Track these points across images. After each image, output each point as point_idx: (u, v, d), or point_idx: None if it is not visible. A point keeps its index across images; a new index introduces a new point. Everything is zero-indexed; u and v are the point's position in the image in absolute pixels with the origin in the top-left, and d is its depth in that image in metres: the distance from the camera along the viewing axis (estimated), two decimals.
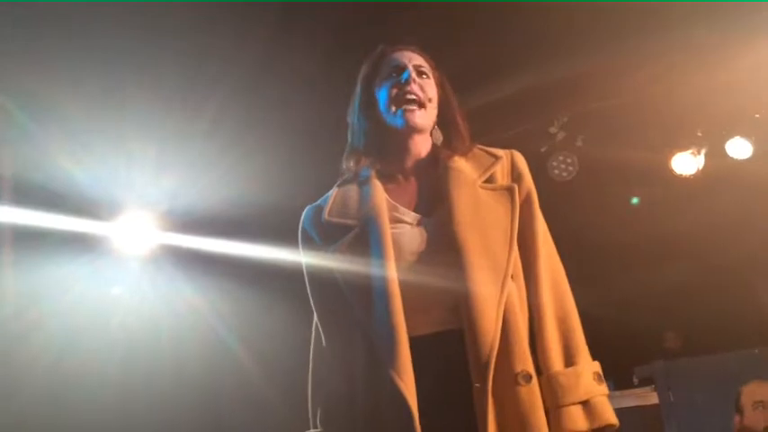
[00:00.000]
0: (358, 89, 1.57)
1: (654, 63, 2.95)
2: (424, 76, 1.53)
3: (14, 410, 3.38)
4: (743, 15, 2.55)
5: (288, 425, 2.01)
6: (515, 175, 1.49)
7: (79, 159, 3.24)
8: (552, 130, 3.16)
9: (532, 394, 1.27)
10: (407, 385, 1.26)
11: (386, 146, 1.53)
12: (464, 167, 1.48)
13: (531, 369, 1.29)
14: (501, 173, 1.49)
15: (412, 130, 1.49)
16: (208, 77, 2.81)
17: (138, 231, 3.90)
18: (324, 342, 1.46)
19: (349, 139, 1.59)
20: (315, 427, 1.43)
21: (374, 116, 1.52)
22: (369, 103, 1.53)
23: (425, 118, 1.50)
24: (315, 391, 1.45)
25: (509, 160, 1.51)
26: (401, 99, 1.48)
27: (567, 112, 3.16)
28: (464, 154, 1.51)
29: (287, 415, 2.83)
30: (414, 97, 1.48)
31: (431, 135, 1.55)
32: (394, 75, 1.51)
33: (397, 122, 1.48)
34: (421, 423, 1.23)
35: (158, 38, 2.56)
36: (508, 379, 1.28)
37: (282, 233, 1.97)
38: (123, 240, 3.91)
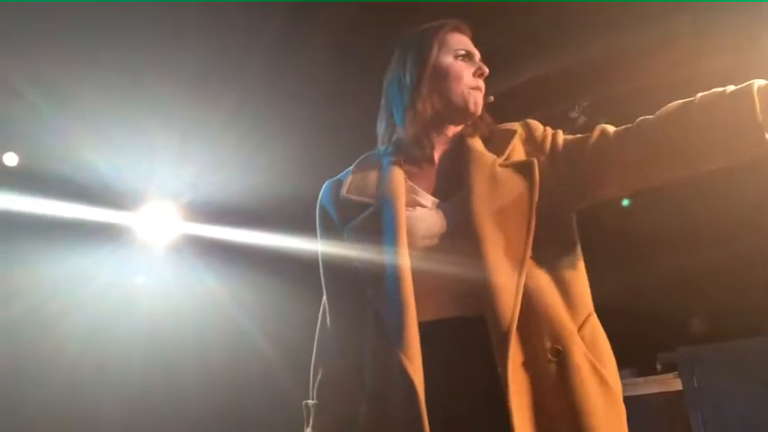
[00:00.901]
0: (417, 57, 1.52)
1: (676, 46, 2.91)
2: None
3: (40, 399, 3.43)
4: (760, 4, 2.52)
5: None
6: (536, 145, 1.47)
7: (102, 150, 3.27)
8: (573, 114, 3.15)
9: (567, 368, 1.25)
10: (415, 368, 1.26)
11: (431, 119, 1.51)
12: (484, 149, 1.47)
13: (567, 343, 1.27)
14: (521, 146, 1.48)
15: (472, 115, 1.50)
16: (227, 67, 2.82)
17: (161, 221, 3.94)
18: (329, 322, 1.47)
19: (390, 106, 1.56)
20: (312, 398, 1.45)
21: (438, 87, 1.50)
22: (433, 73, 1.51)
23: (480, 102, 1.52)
24: (316, 366, 1.47)
25: (526, 130, 1.50)
26: (476, 84, 1.50)
27: (588, 96, 3.14)
28: (485, 135, 1.51)
29: None
30: (479, 84, 1.51)
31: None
32: (463, 55, 1.51)
33: (471, 107, 1.49)
34: (432, 407, 1.23)
35: (177, 28, 2.57)
36: (537, 357, 1.26)
37: (302, 222, 1.98)
38: (146, 230, 3.95)
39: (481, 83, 1.51)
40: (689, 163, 1.33)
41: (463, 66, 1.50)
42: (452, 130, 1.53)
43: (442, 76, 1.50)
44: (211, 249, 4.04)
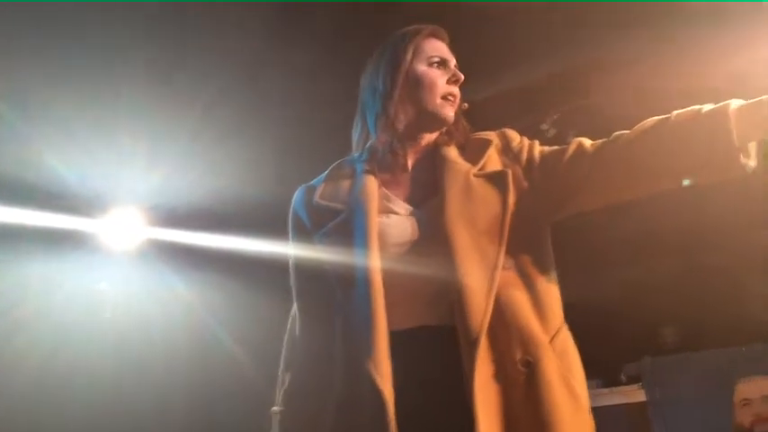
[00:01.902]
0: (391, 63, 1.52)
1: (644, 61, 2.96)
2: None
3: (3, 408, 3.35)
4: (734, 16, 2.57)
5: None
6: (512, 155, 1.47)
7: (65, 156, 3.21)
8: (544, 126, 3.18)
9: (537, 379, 1.24)
10: (384, 378, 1.24)
11: (404, 127, 1.51)
12: (459, 158, 1.47)
13: (538, 354, 1.26)
14: (496, 156, 1.47)
15: (445, 122, 1.50)
16: (197, 71, 2.79)
17: (127, 227, 3.88)
18: (298, 329, 1.45)
19: (365, 112, 1.56)
20: (278, 406, 1.43)
21: (411, 95, 1.50)
22: (406, 80, 1.50)
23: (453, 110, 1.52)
24: (283, 373, 1.45)
25: (502, 140, 1.50)
26: (450, 91, 1.49)
27: (558, 108, 3.18)
28: (461, 143, 1.51)
29: None
30: (454, 92, 1.50)
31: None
32: (438, 62, 1.50)
33: (446, 118, 1.49)
34: (403, 417, 1.22)
35: (148, 30, 2.53)
36: (507, 368, 1.25)
37: (272, 226, 1.96)
38: (111, 236, 3.89)
39: (455, 90, 1.50)
40: (663, 181, 1.35)
41: (437, 73, 1.50)
42: (426, 137, 1.53)
43: (416, 84, 1.49)
44: (178, 254, 3.99)
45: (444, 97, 1.49)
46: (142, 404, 3.85)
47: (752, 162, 1.25)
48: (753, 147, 1.26)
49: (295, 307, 1.50)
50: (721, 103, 1.27)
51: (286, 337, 1.49)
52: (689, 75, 2.92)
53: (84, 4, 2.34)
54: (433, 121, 1.50)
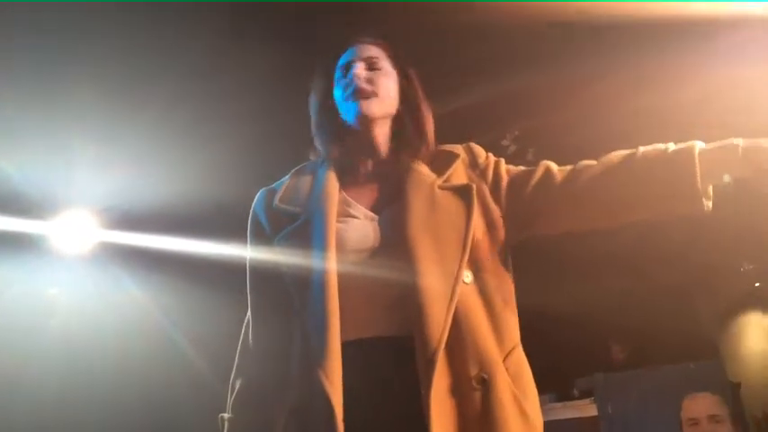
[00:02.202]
0: (319, 84, 1.54)
1: (600, 82, 3.02)
2: (377, 69, 1.50)
3: None
4: (691, 41, 2.64)
5: None
6: (478, 171, 1.48)
7: (13, 156, 3.12)
8: (504, 142, 3.22)
9: (491, 397, 1.24)
10: (335, 388, 1.22)
11: (345, 143, 1.51)
12: (424, 169, 1.46)
13: (492, 371, 1.26)
14: (462, 169, 1.47)
15: (364, 120, 1.46)
16: (154, 70, 2.73)
17: (79, 230, 3.79)
18: (251, 334, 1.43)
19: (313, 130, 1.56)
20: (228, 412, 1.41)
21: (332, 112, 1.50)
22: (326, 100, 1.51)
23: (378, 107, 1.47)
24: (234, 379, 1.43)
25: (469, 155, 1.51)
26: (350, 93, 1.46)
27: (518, 125, 3.22)
28: (426, 155, 1.49)
29: None
30: (359, 88, 1.46)
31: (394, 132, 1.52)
32: (344, 70, 1.50)
33: (350, 118, 1.47)
34: (354, 428, 1.21)
35: (97, 29, 2.47)
36: (462, 384, 1.25)
37: (229, 229, 1.93)
38: (63, 239, 3.80)
39: (357, 88, 1.46)
40: (624, 216, 1.42)
41: (344, 82, 1.49)
42: (376, 145, 1.51)
43: (334, 112, 1.50)
44: (132, 257, 3.91)
45: (348, 98, 1.46)
46: (94, 410, 3.77)
47: (710, 203, 1.32)
48: (710, 189, 1.33)
49: (249, 313, 1.48)
50: (686, 145, 1.33)
51: (240, 341, 1.47)
52: (648, 94, 2.99)
53: (29, 3, 2.28)
54: (352, 128, 1.49)
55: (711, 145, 1.32)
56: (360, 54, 1.51)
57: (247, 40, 2.61)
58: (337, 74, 1.50)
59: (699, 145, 1.32)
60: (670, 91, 2.98)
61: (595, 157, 1.44)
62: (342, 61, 1.52)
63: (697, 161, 1.29)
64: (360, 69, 1.47)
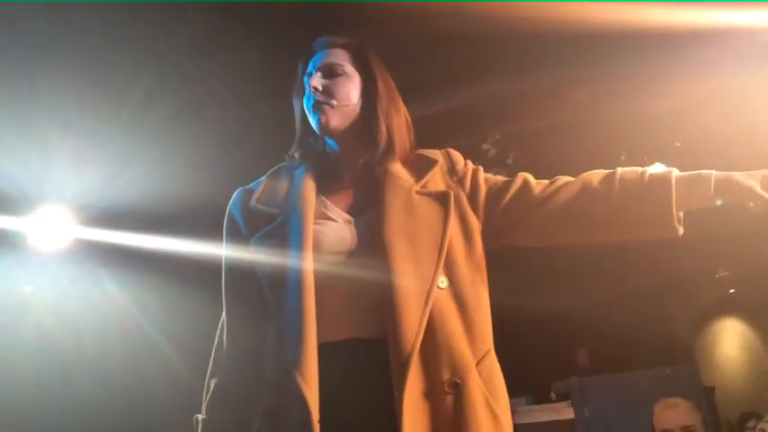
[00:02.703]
0: (297, 88, 1.53)
1: (581, 89, 3.05)
2: (338, 76, 1.48)
3: None
4: (672, 51, 2.67)
5: None
6: (456, 179, 1.48)
7: None
8: (485, 146, 3.25)
9: (463, 401, 1.24)
10: (311, 390, 1.22)
11: (322, 147, 1.51)
12: (402, 173, 1.46)
13: (465, 376, 1.26)
14: (440, 176, 1.47)
15: (325, 131, 1.46)
16: (133, 66, 2.70)
17: (56, 227, 3.74)
18: (226, 336, 1.43)
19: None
20: (203, 413, 1.40)
21: (304, 118, 1.50)
22: (302, 105, 1.51)
23: (336, 118, 1.45)
24: (209, 380, 1.42)
25: (448, 162, 1.50)
26: (310, 106, 1.46)
27: (499, 130, 3.24)
28: (403, 159, 1.49)
29: None
30: (316, 101, 1.45)
31: (373, 137, 1.49)
32: (309, 79, 1.48)
33: (315, 129, 1.47)
34: (329, 429, 1.21)
35: (77, 23, 2.44)
36: (435, 387, 1.25)
37: (206, 227, 1.92)
38: (39, 236, 3.75)
39: (313, 98, 1.45)
40: (599, 235, 1.47)
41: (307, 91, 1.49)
42: (348, 151, 1.50)
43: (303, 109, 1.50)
44: (109, 255, 3.87)
45: (311, 108, 1.46)
46: (70, 409, 3.73)
47: (681, 228, 1.37)
48: (682, 215, 1.37)
49: (224, 314, 1.47)
50: (663, 174, 1.38)
51: (215, 342, 1.46)
52: (628, 102, 3.02)
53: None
54: (321, 136, 1.50)
55: (686, 175, 1.37)
56: (321, 62, 1.49)
57: (227, 38, 2.60)
58: (305, 80, 1.49)
59: (675, 173, 1.37)
60: (651, 99, 3.01)
61: (575, 164, 1.46)
62: (309, 68, 1.50)
63: (674, 193, 1.34)
64: (316, 81, 1.46)
